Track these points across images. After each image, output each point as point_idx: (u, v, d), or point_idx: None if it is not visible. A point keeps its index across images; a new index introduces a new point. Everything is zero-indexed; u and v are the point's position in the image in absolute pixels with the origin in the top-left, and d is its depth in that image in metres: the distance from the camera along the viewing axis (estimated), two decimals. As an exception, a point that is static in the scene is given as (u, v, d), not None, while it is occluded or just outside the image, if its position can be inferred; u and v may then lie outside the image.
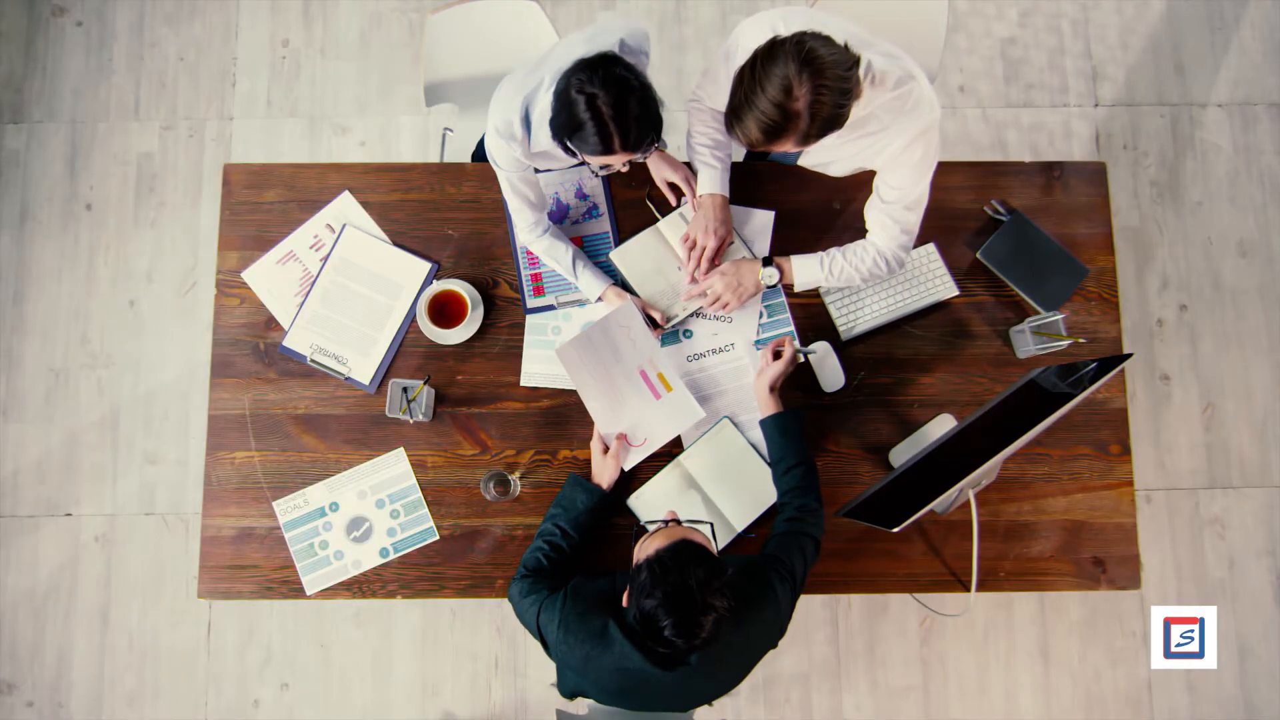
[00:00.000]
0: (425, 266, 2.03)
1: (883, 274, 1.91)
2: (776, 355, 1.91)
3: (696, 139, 1.98)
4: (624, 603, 1.56)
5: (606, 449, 1.89)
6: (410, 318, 2.01)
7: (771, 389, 1.88)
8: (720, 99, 1.91)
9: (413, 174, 2.07)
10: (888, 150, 1.73)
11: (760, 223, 2.04)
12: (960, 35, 3.06)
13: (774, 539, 1.75)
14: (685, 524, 1.60)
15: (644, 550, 1.51)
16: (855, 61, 1.50)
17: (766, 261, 1.93)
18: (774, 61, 1.45)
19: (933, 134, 1.71)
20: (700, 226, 1.95)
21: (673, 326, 2.00)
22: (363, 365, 1.99)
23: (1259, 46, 3.05)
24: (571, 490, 1.86)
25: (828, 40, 1.48)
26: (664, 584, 1.42)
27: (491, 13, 2.14)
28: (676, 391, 1.90)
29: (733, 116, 1.54)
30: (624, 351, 1.91)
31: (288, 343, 2.00)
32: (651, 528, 1.62)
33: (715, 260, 1.97)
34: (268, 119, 2.99)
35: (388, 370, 1.99)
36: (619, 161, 1.66)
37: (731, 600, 1.44)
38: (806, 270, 1.93)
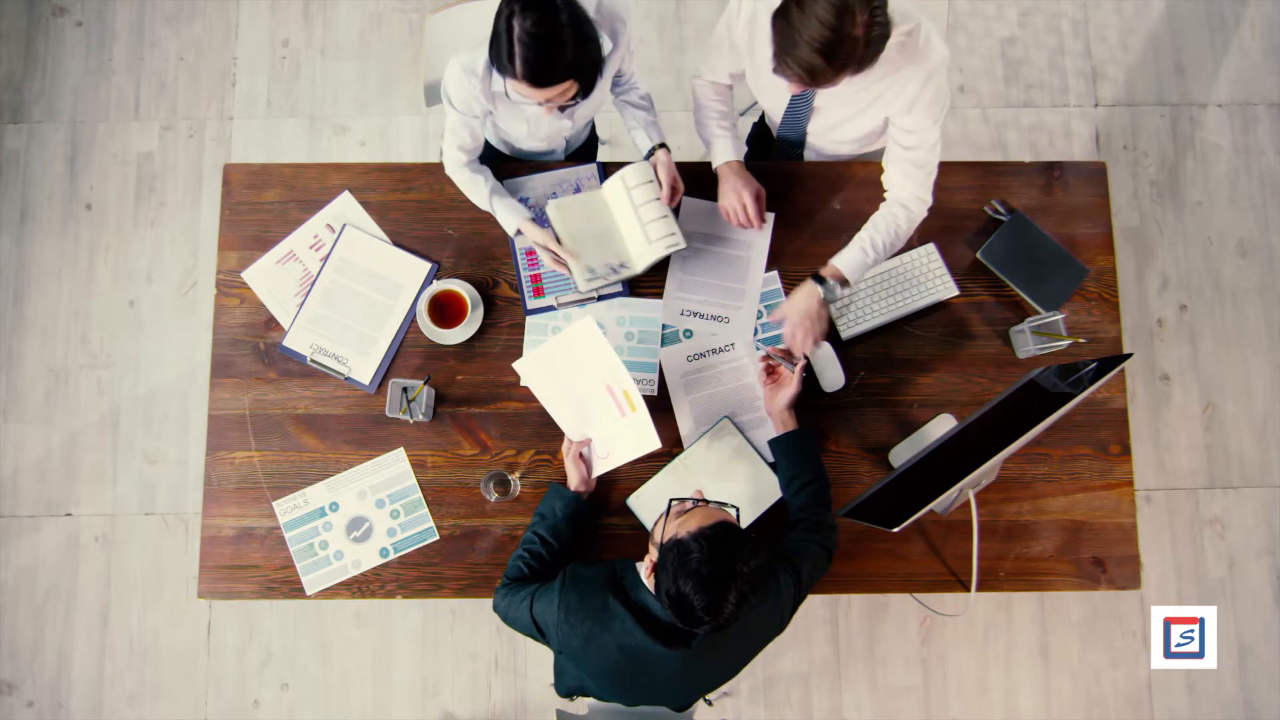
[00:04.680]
0: (425, 266, 2.03)
1: (913, 229, 1.91)
2: (770, 370, 1.91)
3: (703, 113, 2.00)
4: (646, 574, 1.57)
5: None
6: (410, 318, 2.01)
7: (789, 408, 1.87)
8: (721, 70, 1.92)
9: (412, 174, 2.07)
10: (904, 93, 1.73)
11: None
12: (960, 35, 3.06)
13: (785, 545, 1.75)
14: (713, 505, 1.59)
15: (683, 527, 1.51)
16: None
17: (818, 280, 1.87)
18: None
19: (942, 73, 1.72)
20: (729, 193, 1.96)
21: (590, 292, 1.97)
22: (363, 365, 1.99)
23: (1259, 46, 3.05)
24: (550, 498, 1.86)
25: None
26: (711, 563, 1.43)
27: (491, 13, 2.12)
28: (640, 414, 1.80)
29: (786, 55, 1.52)
30: (584, 366, 1.84)
31: (288, 343, 2.00)
32: (677, 504, 1.62)
33: (760, 214, 1.97)
34: (268, 119, 2.99)
35: (388, 370, 1.99)
36: (538, 98, 1.63)
37: (754, 585, 1.45)
38: (855, 266, 1.88)
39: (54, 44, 3.01)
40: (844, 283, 1.87)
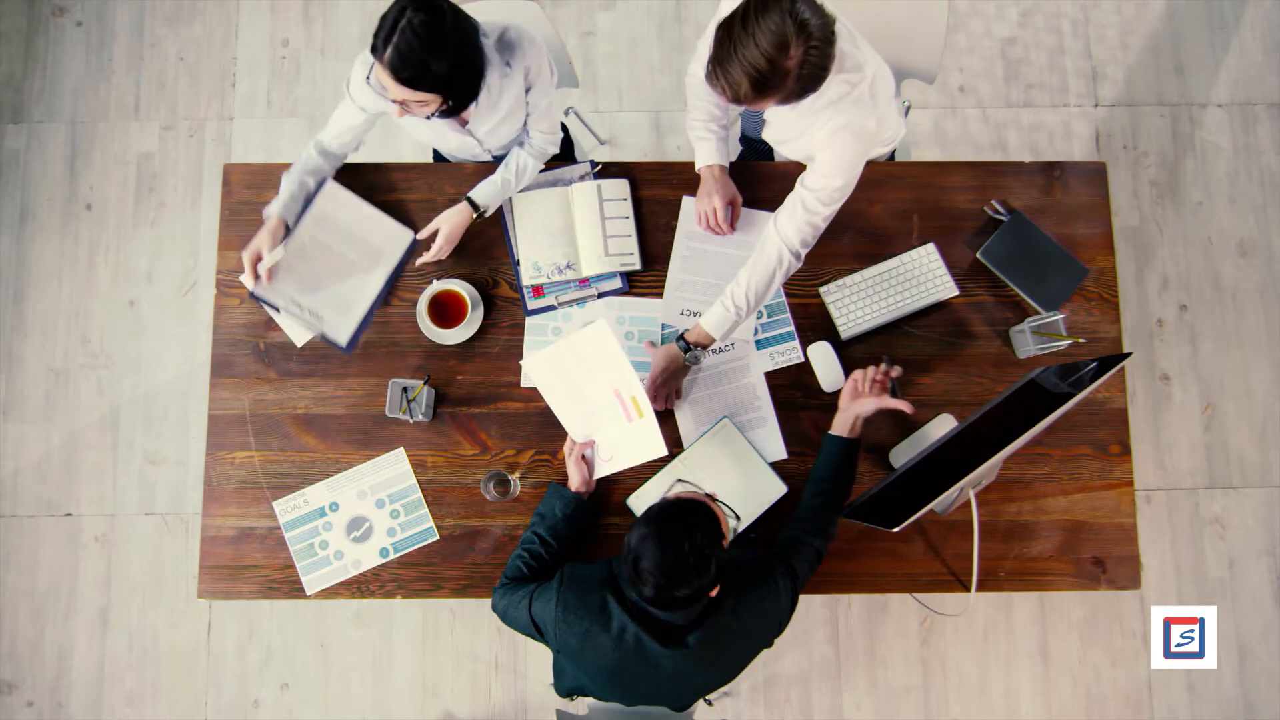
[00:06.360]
0: (407, 235, 2.00)
1: (786, 273, 1.83)
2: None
3: (693, 114, 1.99)
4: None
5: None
6: (390, 285, 1.99)
7: (862, 417, 1.83)
8: None
9: (412, 174, 2.07)
10: (821, 131, 1.72)
11: (761, 224, 2.04)
12: (960, 35, 3.06)
13: (784, 542, 1.75)
14: (716, 502, 1.60)
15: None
16: (834, 33, 1.53)
17: (682, 343, 1.88)
18: (768, 17, 1.47)
19: (862, 135, 1.71)
20: (704, 197, 1.98)
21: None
22: (339, 324, 1.95)
23: (1259, 46, 3.05)
24: (550, 498, 1.86)
25: (816, 6, 1.51)
26: (660, 521, 1.47)
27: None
28: (647, 420, 1.81)
29: (718, 67, 1.53)
30: (596, 369, 1.83)
31: (259, 290, 1.90)
32: (681, 488, 1.64)
33: (732, 222, 2.00)
34: (268, 119, 2.99)
35: (361, 330, 1.96)
36: (393, 94, 1.64)
37: (719, 571, 1.47)
38: (716, 323, 1.85)
39: (54, 44, 3.01)
40: (705, 346, 1.88)
